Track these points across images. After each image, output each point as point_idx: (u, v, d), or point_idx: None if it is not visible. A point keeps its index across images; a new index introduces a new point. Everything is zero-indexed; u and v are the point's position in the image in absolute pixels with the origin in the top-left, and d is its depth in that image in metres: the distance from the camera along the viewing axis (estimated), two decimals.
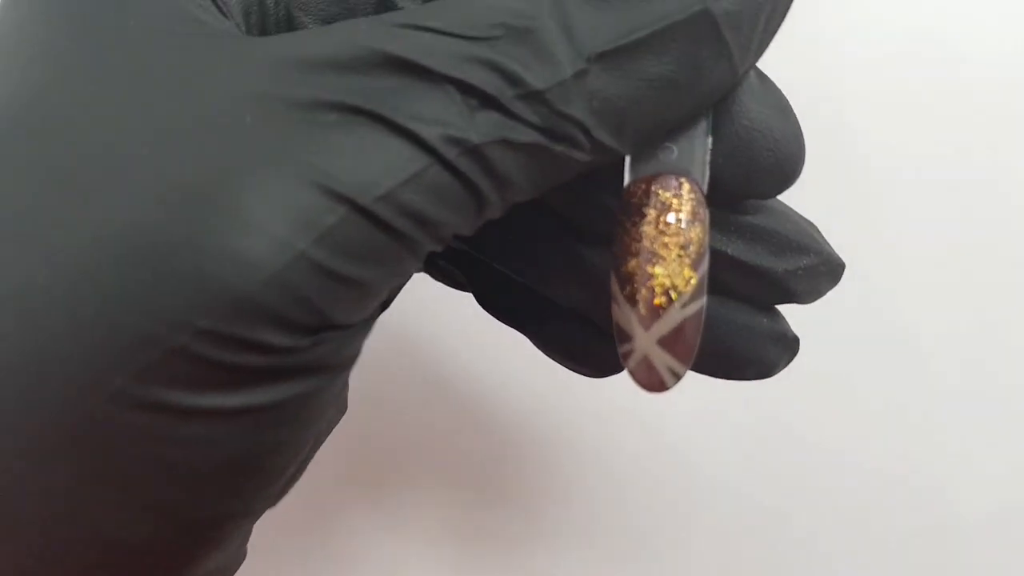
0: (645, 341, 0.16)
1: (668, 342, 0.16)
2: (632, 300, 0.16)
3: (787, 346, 0.19)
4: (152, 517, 0.14)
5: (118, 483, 0.14)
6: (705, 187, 0.16)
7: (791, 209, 0.19)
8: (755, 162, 0.17)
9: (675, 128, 0.16)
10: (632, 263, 0.16)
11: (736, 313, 0.18)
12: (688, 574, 0.31)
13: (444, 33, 0.14)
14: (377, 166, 0.14)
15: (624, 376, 0.18)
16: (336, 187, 0.13)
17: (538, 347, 0.21)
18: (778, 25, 0.16)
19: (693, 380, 0.18)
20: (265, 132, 0.14)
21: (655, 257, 0.16)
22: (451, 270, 0.21)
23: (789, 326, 0.19)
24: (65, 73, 0.14)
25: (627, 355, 0.16)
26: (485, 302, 0.21)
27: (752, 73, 0.17)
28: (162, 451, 0.14)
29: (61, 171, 0.14)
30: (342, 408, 0.19)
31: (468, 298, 0.21)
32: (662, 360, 0.16)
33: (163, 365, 0.13)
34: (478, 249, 0.20)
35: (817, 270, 0.18)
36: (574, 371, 0.21)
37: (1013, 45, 0.31)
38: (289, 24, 0.17)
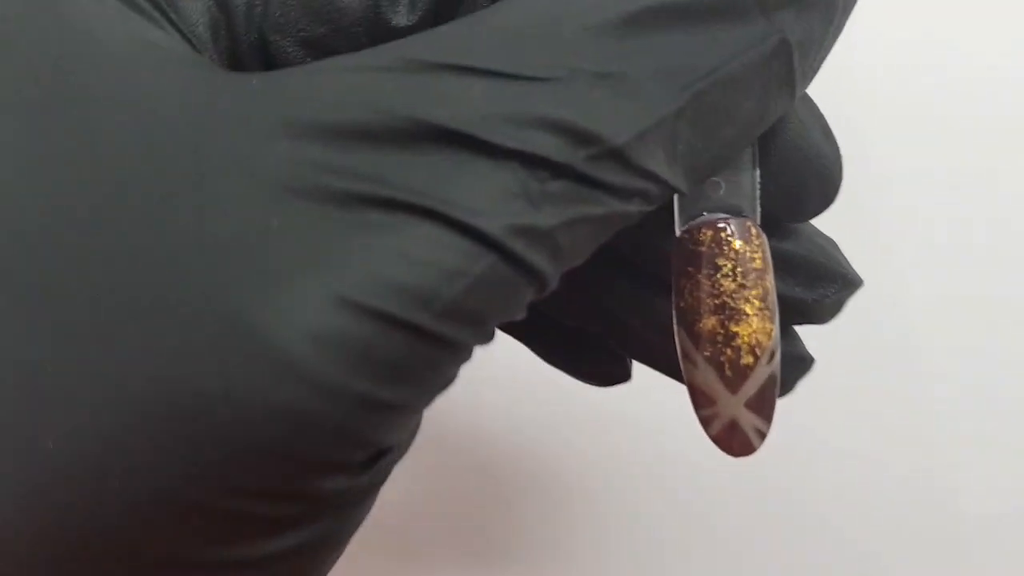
0: (732, 405, 0.15)
1: (755, 403, 0.15)
2: (716, 363, 0.15)
3: (803, 368, 0.19)
4: None
5: None
6: (759, 220, 0.15)
7: (814, 228, 0.18)
8: (804, 187, 0.16)
9: None
10: (711, 322, 0.15)
11: None
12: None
13: (494, 75, 0.12)
14: (434, 275, 0.12)
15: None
16: (390, 309, 0.11)
17: (539, 356, 0.20)
18: (829, 52, 0.15)
19: None
20: (295, 242, 0.11)
21: (737, 314, 0.15)
22: None
23: (804, 347, 0.19)
24: (30, 166, 0.12)
25: (710, 420, 0.15)
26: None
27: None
28: None
29: (60, 311, 0.11)
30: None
31: None
32: (749, 422, 0.15)
33: (211, 528, 0.12)
34: None
35: (840, 296, 0.18)
36: (578, 379, 0.20)
37: (1015, 46, 0.30)
38: (264, 50, 0.14)
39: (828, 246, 0.18)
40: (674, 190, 0.13)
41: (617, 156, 0.12)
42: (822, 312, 0.18)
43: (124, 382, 0.11)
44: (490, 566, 0.31)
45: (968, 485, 0.31)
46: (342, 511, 0.13)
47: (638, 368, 0.20)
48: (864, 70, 0.30)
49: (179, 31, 0.13)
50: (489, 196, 0.12)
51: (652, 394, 0.20)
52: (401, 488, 0.29)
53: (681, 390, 0.19)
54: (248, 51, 0.14)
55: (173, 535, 0.12)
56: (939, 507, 0.31)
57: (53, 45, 0.13)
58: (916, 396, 0.31)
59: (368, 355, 0.11)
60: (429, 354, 0.12)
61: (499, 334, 0.20)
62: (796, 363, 0.19)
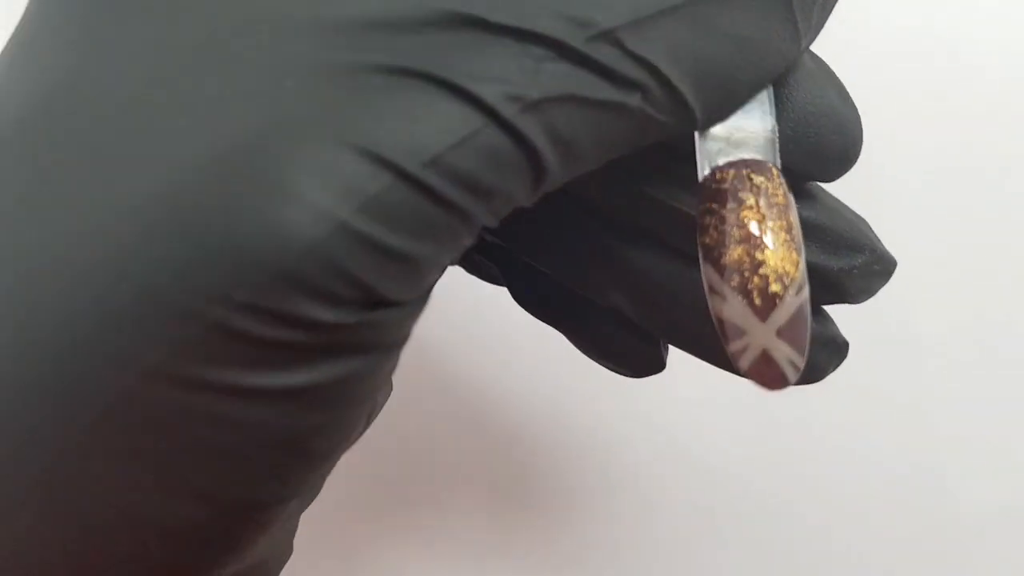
0: (763, 334, 0.15)
1: (786, 332, 0.15)
2: (744, 290, 0.15)
3: (836, 350, 0.18)
4: (191, 500, 0.13)
5: (153, 463, 0.13)
6: (780, 169, 0.16)
7: (842, 203, 0.18)
8: (823, 146, 0.16)
9: (740, 109, 0.15)
10: (737, 251, 0.15)
11: None
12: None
13: None
14: (427, 129, 0.13)
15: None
16: (381, 152, 0.12)
17: (575, 345, 0.20)
18: (833, 5, 0.16)
19: (699, 380, 0.18)
20: (306, 98, 0.13)
21: (762, 243, 0.15)
22: (485, 263, 0.21)
23: (838, 329, 0.18)
24: (97, 48, 0.14)
25: (741, 352, 0.15)
26: (519, 297, 0.20)
27: (808, 58, 0.16)
28: (201, 432, 0.13)
29: (97, 145, 0.13)
30: (389, 389, 0.19)
31: (486, 300, 0.21)
32: (782, 353, 0.15)
33: (200, 341, 0.12)
34: (511, 243, 0.19)
35: (871, 268, 0.17)
36: (612, 370, 0.20)
37: (1014, 42, 0.31)
38: None
39: (855, 219, 0.18)
40: (678, 96, 0.14)
41: (612, 39, 0.13)
42: (851, 286, 0.17)
43: (134, 194, 0.12)
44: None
45: (968, 484, 0.31)
46: (337, 360, 0.13)
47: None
48: (867, 66, 0.30)
49: None
50: (487, 67, 0.13)
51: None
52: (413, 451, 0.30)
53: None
54: None
55: (163, 343, 0.12)
56: (939, 506, 0.31)
57: None
58: (917, 394, 0.30)
59: (355, 188, 0.12)
60: (418, 202, 0.13)
61: (515, 334, 0.20)
62: (830, 346, 0.18)
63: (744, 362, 0.15)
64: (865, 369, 0.27)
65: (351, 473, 0.17)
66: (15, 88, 0.14)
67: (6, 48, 0.15)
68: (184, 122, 0.13)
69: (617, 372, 0.20)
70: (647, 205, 0.17)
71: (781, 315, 0.15)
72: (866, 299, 0.18)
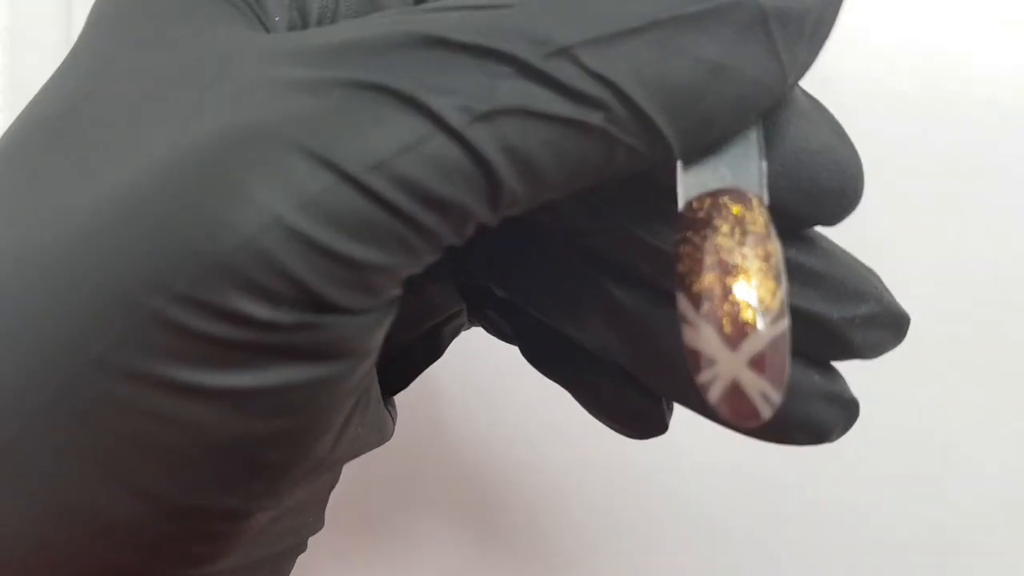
0: (732, 364, 0.14)
1: (759, 363, 0.14)
2: (713, 317, 0.14)
3: (843, 407, 0.17)
4: (134, 497, 0.13)
5: (97, 456, 0.13)
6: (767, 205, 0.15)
7: (846, 252, 0.17)
8: (818, 184, 0.16)
9: (727, 144, 0.15)
10: (708, 278, 0.14)
11: None
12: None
13: (470, 8, 0.14)
14: (375, 136, 0.13)
15: None
16: (326, 155, 0.13)
17: (584, 408, 0.20)
18: (825, 35, 0.15)
19: None
20: (266, 108, 0.13)
21: (736, 269, 0.14)
22: (500, 321, 0.21)
23: (847, 386, 0.17)
24: (105, 72, 0.15)
25: (709, 384, 0.14)
26: (529, 355, 0.20)
27: (802, 95, 0.16)
28: (143, 426, 0.13)
29: (80, 150, 0.14)
30: (382, 434, 0.18)
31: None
32: (754, 385, 0.14)
33: (141, 331, 0.13)
34: (513, 293, 0.19)
35: (877, 320, 0.16)
36: (615, 431, 0.20)
37: (1012, 47, 0.30)
38: None
39: (859, 268, 0.17)
40: (645, 118, 0.14)
41: (569, 56, 0.13)
42: (855, 337, 0.16)
43: (103, 192, 0.13)
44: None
45: (967, 485, 0.30)
46: (286, 362, 0.13)
47: None
48: (863, 69, 0.30)
49: (263, 26, 0.16)
50: (444, 82, 0.13)
51: None
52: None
53: None
54: None
55: (115, 334, 0.13)
56: (938, 507, 0.30)
57: (158, 10, 0.16)
58: (915, 396, 0.30)
59: (296, 186, 0.13)
60: (362, 207, 0.13)
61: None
62: (835, 403, 0.17)
63: (713, 394, 0.14)
64: (863, 369, 0.26)
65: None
66: (37, 103, 0.16)
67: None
68: (154, 128, 0.13)
69: (621, 432, 0.19)
70: (638, 246, 0.17)
71: (754, 344, 0.14)
72: (877, 355, 0.17)
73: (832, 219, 0.16)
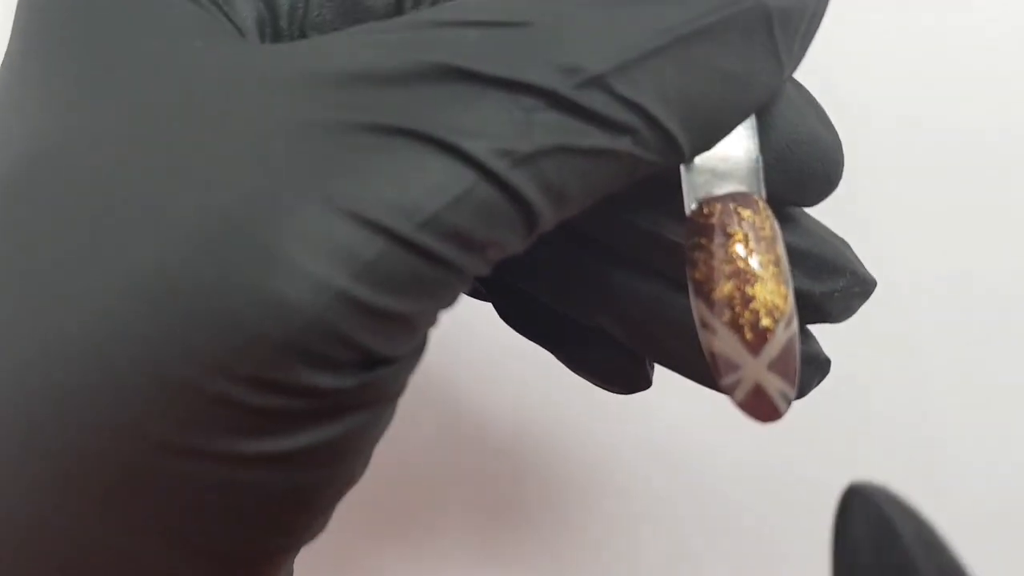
0: (755, 368, 0.15)
1: (778, 366, 0.15)
2: (735, 326, 0.15)
3: (819, 367, 0.19)
4: (201, 558, 0.13)
5: (162, 530, 0.13)
6: (764, 199, 0.16)
7: (823, 226, 0.18)
8: (805, 172, 0.16)
9: (724, 139, 0.15)
10: (728, 287, 0.15)
11: None
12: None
13: (489, 24, 0.13)
14: (418, 189, 0.13)
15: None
16: (374, 216, 0.12)
17: (561, 361, 0.21)
18: (815, 31, 0.16)
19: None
20: (297, 161, 0.13)
21: (753, 278, 0.15)
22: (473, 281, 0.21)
23: (820, 347, 0.19)
24: (80, 111, 0.14)
25: (734, 386, 0.15)
26: (504, 315, 0.21)
27: (789, 85, 0.17)
28: (208, 497, 0.13)
29: (86, 217, 0.13)
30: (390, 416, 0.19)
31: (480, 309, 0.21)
32: (774, 386, 0.15)
33: (204, 413, 0.12)
34: (499, 266, 0.19)
35: (851, 290, 0.18)
36: (598, 386, 0.21)
37: (1014, 38, 0.31)
38: None
39: (837, 242, 0.18)
40: (668, 135, 0.14)
41: (600, 84, 0.13)
42: (833, 308, 0.18)
43: (137, 272, 0.12)
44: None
45: (965, 485, 0.31)
46: (339, 420, 0.13)
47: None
48: (862, 63, 0.30)
49: (232, 23, 0.15)
50: (475, 121, 0.13)
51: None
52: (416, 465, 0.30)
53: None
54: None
55: (169, 416, 0.12)
56: (936, 508, 0.31)
57: (120, 16, 0.15)
58: (916, 394, 0.31)
59: (350, 255, 0.12)
60: (412, 264, 0.13)
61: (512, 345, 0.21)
62: (812, 364, 0.18)
63: (738, 396, 0.15)
64: (863, 369, 0.28)
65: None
66: None
67: None
68: (171, 189, 0.13)
69: (604, 388, 0.20)
70: (632, 232, 0.17)
71: (772, 349, 0.15)
72: (847, 319, 0.19)
73: (814, 202, 0.17)
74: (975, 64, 0.31)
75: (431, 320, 0.14)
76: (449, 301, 0.14)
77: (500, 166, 0.13)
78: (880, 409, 0.31)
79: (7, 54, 0.15)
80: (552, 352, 0.20)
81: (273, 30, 0.16)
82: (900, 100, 0.31)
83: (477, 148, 0.13)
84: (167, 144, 0.13)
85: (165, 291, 0.12)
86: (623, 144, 0.14)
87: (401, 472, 0.30)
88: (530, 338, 0.21)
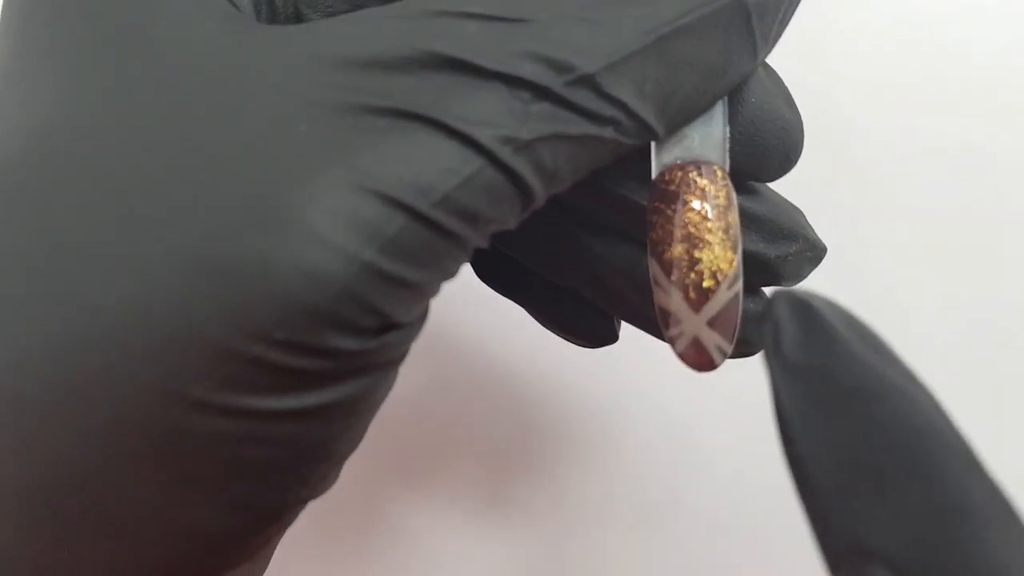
0: (695, 323, 0.17)
1: (717, 322, 0.17)
2: (681, 285, 0.17)
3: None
4: (234, 510, 0.15)
5: (202, 483, 0.14)
6: (727, 171, 0.17)
7: (778, 194, 0.20)
8: (766, 149, 0.18)
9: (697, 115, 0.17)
10: (678, 249, 0.16)
11: None
12: (693, 544, 0.32)
13: (488, 18, 0.14)
14: (432, 171, 0.14)
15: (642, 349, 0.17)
16: (395, 194, 0.14)
17: (532, 316, 0.22)
18: (790, 18, 0.17)
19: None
20: (319, 141, 0.14)
21: (701, 242, 0.16)
22: None
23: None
24: (99, 94, 0.14)
25: (676, 338, 0.17)
26: (480, 272, 0.22)
27: (760, 66, 0.18)
28: (244, 451, 0.14)
29: (119, 197, 0.14)
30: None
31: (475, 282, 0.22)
32: (711, 340, 0.17)
33: (242, 375, 0.13)
34: None
35: (803, 255, 0.19)
36: (568, 341, 0.22)
37: (1012, 34, 0.31)
38: (298, 21, 0.17)
39: (792, 211, 0.20)
40: (645, 124, 0.15)
41: (589, 83, 0.15)
42: (786, 270, 0.19)
43: (179, 248, 0.13)
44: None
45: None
46: (358, 378, 0.15)
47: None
48: (861, 55, 0.31)
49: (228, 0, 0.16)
50: (480, 110, 0.14)
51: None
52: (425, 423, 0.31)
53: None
54: (284, 22, 0.17)
55: (209, 378, 0.13)
56: None
57: (123, 1, 0.15)
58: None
59: (376, 231, 0.14)
60: (427, 238, 0.14)
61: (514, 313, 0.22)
62: (759, 320, 0.20)
63: (679, 347, 0.17)
64: None
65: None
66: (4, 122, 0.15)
67: None
68: (204, 168, 0.14)
69: (572, 343, 0.22)
70: (605, 198, 0.18)
71: (713, 307, 0.17)
72: (797, 283, 0.20)
73: (773, 177, 0.19)
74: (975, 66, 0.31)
75: (436, 289, 0.15)
76: (454, 272, 0.15)
77: (504, 152, 0.14)
78: None
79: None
80: (523, 307, 0.22)
81: (268, 7, 0.17)
82: (901, 101, 0.31)
83: (483, 135, 0.14)
84: (190, 123, 0.14)
85: (207, 264, 0.13)
86: (607, 132, 0.15)
87: (404, 422, 0.31)
88: (503, 293, 0.22)
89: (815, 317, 0.14)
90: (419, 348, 0.16)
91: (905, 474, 0.12)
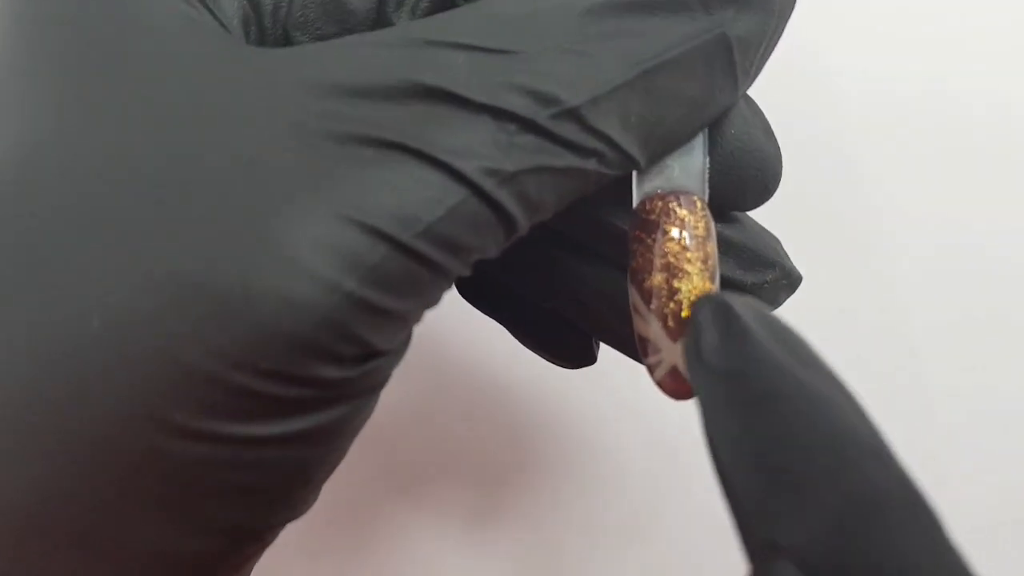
0: (673, 352, 0.17)
1: None
2: (660, 314, 0.17)
3: None
4: (214, 533, 0.15)
5: (183, 507, 0.14)
6: (707, 201, 0.18)
7: (756, 222, 0.20)
8: (745, 180, 0.18)
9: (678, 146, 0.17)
10: (658, 279, 0.17)
11: None
12: (684, 556, 0.32)
13: (475, 49, 0.15)
14: (416, 201, 0.14)
15: (627, 375, 0.17)
16: (377, 225, 0.14)
17: (512, 334, 0.22)
18: (772, 52, 0.17)
19: None
20: (304, 169, 0.14)
21: (680, 272, 0.17)
22: None
23: None
24: (76, 111, 0.14)
25: (654, 366, 0.17)
26: (463, 291, 0.22)
27: (741, 99, 0.18)
28: (225, 476, 0.14)
29: (100, 218, 0.14)
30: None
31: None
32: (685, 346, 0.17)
33: (223, 401, 0.14)
34: None
35: (779, 283, 0.20)
36: (547, 360, 0.22)
37: (1007, 50, 0.32)
38: (286, 43, 0.17)
39: (769, 239, 0.20)
40: (628, 156, 0.16)
41: (574, 116, 0.15)
42: (762, 297, 0.20)
43: (162, 274, 0.13)
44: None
45: (963, 485, 0.31)
46: (340, 405, 0.15)
47: None
48: (857, 68, 0.31)
49: (218, 20, 0.16)
50: (465, 142, 0.14)
51: None
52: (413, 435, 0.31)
53: None
54: (272, 44, 0.17)
55: (192, 405, 0.14)
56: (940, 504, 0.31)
57: (109, 20, 0.15)
58: (912, 395, 0.31)
59: (358, 260, 0.14)
60: (409, 268, 0.14)
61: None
62: None
63: (657, 375, 0.17)
64: (860, 371, 0.29)
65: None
66: None
67: None
68: (188, 192, 0.14)
69: (552, 362, 0.22)
70: (586, 222, 0.19)
71: None
72: (773, 310, 0.21)
73: (751, 207, 0.19)
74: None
75: (419, 317, 0.15)
76: (436, 300, 0.15)
77: (488, 184, 0.14)
78: (880, 410, 0.31)
79: None
80: (504, 326, 0.22)
81: (258, 28, 0.17)
82: (902, 93, 0.31)
83: (468, 167, 0.14)
84: (174, 145, 0.14)
85: (189, 291, 0.13)
86: (591, 164, 0.15)
87: (391, 438, 0.31)
88: (485, 312, 0.22)
89: (733, 322, 0.14)
90: (406, 363, 0.16)
91: (815, 472, 0.13)
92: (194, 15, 0.15)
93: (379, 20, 0.17)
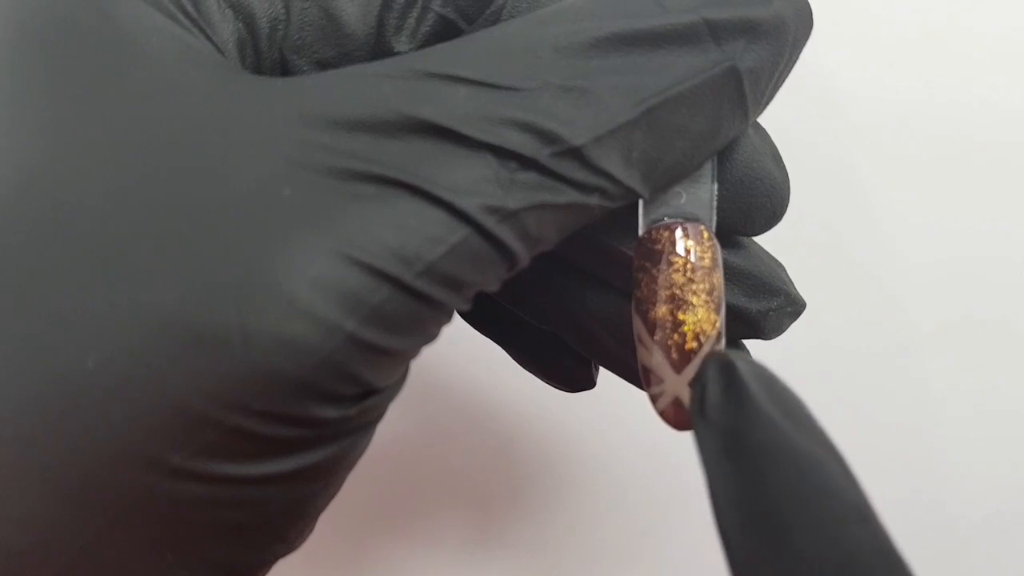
0: (676, 383, 0.17)
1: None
2: (664, 346, 0.16)
3: None
4: (210, 570, 0.15)
5: (178, 545, 0.14)
6: (714, 229, 0.17)
7: (762, 248, 0.20)
8: (754, 206, 0.18)
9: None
10: (662, 310, 0.16)
11: None
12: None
13: (477, 84, 0.14)
14: (417, 240, 0.14)
15: (624, 398, 0.17)
16: (379, 264, 0.13)
17: (512, 357, 0.22)
18: (784, 80, 0.17)
19: None
20: (304, 206, 0.13)
21: (685, 304, 0.16)
22: None
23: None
24: (69, 141, 0.14)
25: (657, 396, 0.17)
26: (463, 313, 0.22)
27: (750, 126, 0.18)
28: (221, 514, 0.14)
29: (98, 257, 0.13)
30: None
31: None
32: (690, 400, 0.17)
33: (220, 443, 0.13)
34: None
35: (784, 310, 0.20)
36: (546, 383, 0.22)
37: (1006, 54, 0.32)
38: (283, 66, 0.17)
39: (775, 266, 0.20)
40: (630, 191, 0.15)
41: (576, 155, 0.14)
42: (766, 325, 0.20)
43: (159, 314, 0.13)
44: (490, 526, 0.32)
45: (961, 486, 0.31)
46: (337, 442, 0.15)
47: None
48: (859, 72, 0.31)
49: (213, 44, 0.16)
50: (466, 179, 0.14)
51: None
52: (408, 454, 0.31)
53: None
54: (269, 67, 0.17)
55: (187, 446, 0.13)
56: (932, 513, 0.31)
57: (103, 47, 0.15)
58: (910, 398, 0.31)
59: (359, 301, 0.13)
60: (411, 307, 0.14)
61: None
62: None
63: (659, 405, 0.17)
64: (859, 373, 0.28)
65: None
66: None
67: None
68: (185, 230, 0.13)
69: (549, 385, 0.22)
70: (589, 247, 0.18)
71: (694, 367, 0.17)
72: (776, 336, 0.20)
73: (759, 232, 0.19)
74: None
75: (417, 353, 0.15)
76: (435, 335, 0.15)
77: (489, 221, 0.14)
78: (880, 411, 0.31)
79: None
80: (503, 348, 0.22)
81: (254, 51, 0.16)
82: (905, 96, 0.31)
83: (469, 205, 0.14)
84: (172, 181, 0.14)
85: (186, 331, 0.13)
86: (593, 199, 0.15)
87: (387, 466, 0.31)
88: (484, 334, 0.22)
89: (735, 379, 0.15)
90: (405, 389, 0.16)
91: (801, 528, 0.13)
92: (190, 41, 0.15)
93: (378, 44, 0.17)
